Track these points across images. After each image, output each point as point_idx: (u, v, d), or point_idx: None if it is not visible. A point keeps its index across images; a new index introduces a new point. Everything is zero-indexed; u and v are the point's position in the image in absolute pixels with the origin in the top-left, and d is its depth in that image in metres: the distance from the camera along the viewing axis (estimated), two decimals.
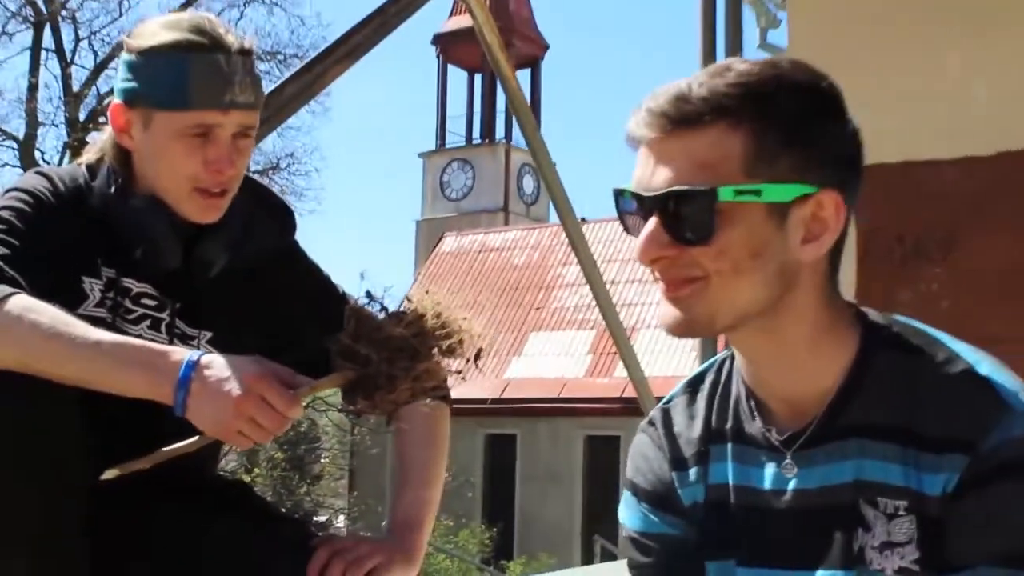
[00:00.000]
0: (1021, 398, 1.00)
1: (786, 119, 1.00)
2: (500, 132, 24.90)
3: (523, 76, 24.37)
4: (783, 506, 1.09)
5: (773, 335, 1.06)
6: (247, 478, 16.06)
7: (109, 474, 1.30)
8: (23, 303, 1.28)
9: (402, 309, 1.26)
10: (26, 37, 17.68)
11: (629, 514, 1.21)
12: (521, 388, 17.32)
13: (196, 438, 1.28)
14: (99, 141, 1.52)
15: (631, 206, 1.04)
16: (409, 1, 3.40)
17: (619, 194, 1.06)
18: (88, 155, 1.52)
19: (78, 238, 1.42)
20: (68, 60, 17.56)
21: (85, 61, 18.15)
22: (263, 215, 1.56)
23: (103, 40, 17.44)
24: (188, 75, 1.38)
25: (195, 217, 1.45)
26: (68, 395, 1.29)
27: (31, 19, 17.42)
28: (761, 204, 1.00)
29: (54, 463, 1.29)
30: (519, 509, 17.74)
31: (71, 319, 1.29)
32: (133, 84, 1.42)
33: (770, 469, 1.10)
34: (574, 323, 18.29)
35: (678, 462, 1.17)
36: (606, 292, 4.62)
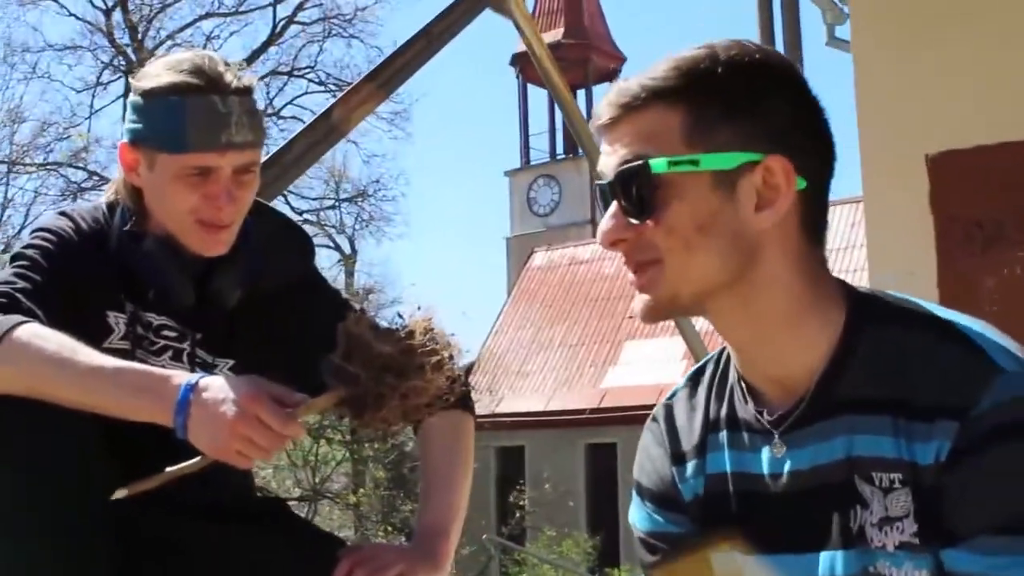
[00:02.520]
0: (1013, 358, 0.98)
1: (725, 93, 1.02)
2: None
3: (604, 90, 24.33)
4: (780, 490, 1.07)
5: (747, 310, 1.05)
6: (353, 499, 16.37)
7: (118, 494, 1.30)
8: (32, 330, 1.31)
9: (394, 326, 1.27)
10: (119, 86, 18.46)
11: (636, 514, 1.21)
12: (619, 396, 17.22)
13: (199, 458, 1.29)
14: (115, 180, 1.56)
15: (600, 196, 1.07)
16: (454, 20, 3.37)
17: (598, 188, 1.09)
18: (107, 194, 1.56)
19: (101, 275, 1.46)
20: None
21: None
22: (280, 243, 1.59)
23: None
24: (184, 118, 1.40)
25: (201, 251, 1.47)
26: (86, 418, 1.31)
27: (122, 68, 18.11)
28: (703, 175, 1.01)
29: (77, 484, 1.32)
30: (623, 516, 17.66)
31: (77, 345, 1.30)
32: (138, 125, 1.46)
33: (765, 453, 1.08)
34: (667, 329, 18.06)
35: (678, 457, 1.16)
36: None
